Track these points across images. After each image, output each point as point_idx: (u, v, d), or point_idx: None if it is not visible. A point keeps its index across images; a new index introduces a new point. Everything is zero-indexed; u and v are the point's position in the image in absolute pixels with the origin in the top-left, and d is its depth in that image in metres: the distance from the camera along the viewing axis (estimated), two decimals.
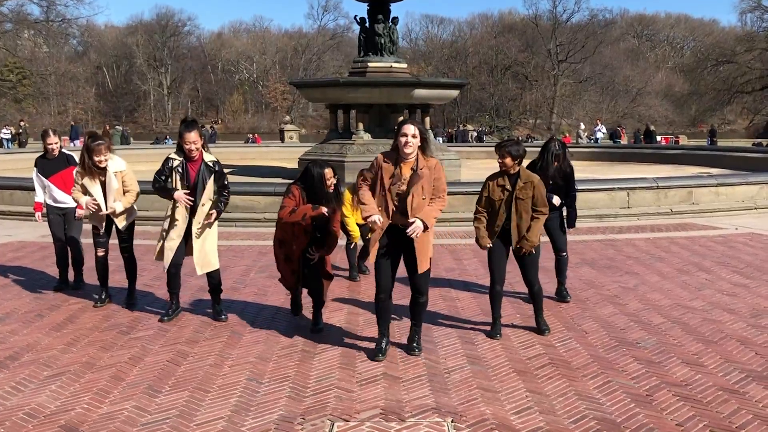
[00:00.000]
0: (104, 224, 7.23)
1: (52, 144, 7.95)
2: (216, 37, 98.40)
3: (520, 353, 5.85)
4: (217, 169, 6.68)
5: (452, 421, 4.53)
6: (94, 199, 7.04)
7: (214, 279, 6.85)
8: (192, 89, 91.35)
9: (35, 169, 8.11)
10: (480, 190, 6.28)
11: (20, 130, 40.44)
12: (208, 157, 6.67)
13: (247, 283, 8.34)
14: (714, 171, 19.37)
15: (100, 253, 7.34)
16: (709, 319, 6.77)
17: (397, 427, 4.46)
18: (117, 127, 43.23)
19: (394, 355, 5.81)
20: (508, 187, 6.12)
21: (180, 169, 6.57)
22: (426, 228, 5.54)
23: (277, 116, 77.92)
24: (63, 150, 8.12)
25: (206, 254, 6.73)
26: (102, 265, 7.36)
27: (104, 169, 7.04)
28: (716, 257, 9.68)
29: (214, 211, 6.65)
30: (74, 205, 7.66)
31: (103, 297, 7.43)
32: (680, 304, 7.34)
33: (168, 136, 44.03)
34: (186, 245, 6.74)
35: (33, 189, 12.98)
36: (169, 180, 6.59)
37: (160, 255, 6.73)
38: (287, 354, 5.86)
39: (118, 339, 6.30)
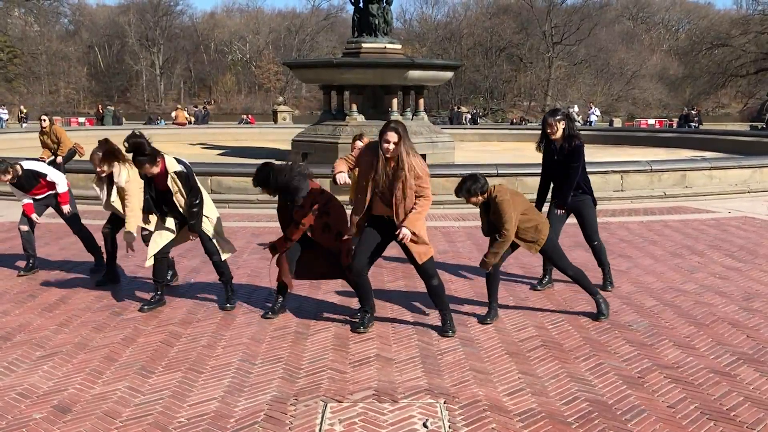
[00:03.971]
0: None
1: (6, 181, 7.71)
2: (209, 17, 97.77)
3: (513, 335, 5.86)
4: (177, 177, 6.34)
5: (444, 403, 4.54)
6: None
7: (220, 265, 6.68)
8: (184, 69, 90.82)
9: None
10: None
11: (21, 115, 41.06)
12: (172, 167, 6.32)
13: (240, 264, 8.33)
14: (708, 154, 19.41)
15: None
16: (701, 302, 6.80)
17: (389, 408, 4.47)
18: (109, 107, 42.95)
19: (387, 336, 5.82)
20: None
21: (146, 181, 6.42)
22: (414, 234, 5.63)
23: (270, 97, 77.57)
24: (24, 167, 7.87)
25: (221, 242, 6.69)
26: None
27: (110, 177, 7.04)
28: (709, 240, 9.71)
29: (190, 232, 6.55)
30: (51, 192, 7.89)
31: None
32: (673, 287, 7.36)
33: (160, 117, 43.84)
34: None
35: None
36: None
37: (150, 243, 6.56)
38: (280, 335, 5.86)
39: (110, 320, 6.29)
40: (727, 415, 4.37)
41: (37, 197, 7.99)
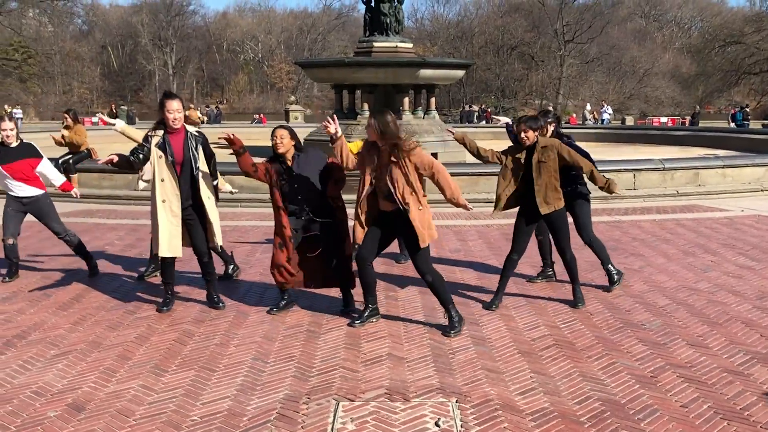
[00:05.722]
0: None
1: (6, 131, 7.39)
2: (221, 17, 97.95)
3: (525, 334, 5.86)
4: (201, 137, 6.40)
5: (457, 402, 4.54)
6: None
7: (209, 266, 6.57)
8: (197, 69, 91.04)
9: None
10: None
11: (3, 113, 41.25)
12: (190, 128, 6.38)
13: (253, 263, 8.36)
14: (721, 152, 19.29)
15: None
16: (715, 300, 6.77)
17: (401, 407, 4.48)
18: (122, 107, 43.21)
19: (399, 335, 5.82)
20: (523, 159, 6.36)
21: (163, 146, 6.15)
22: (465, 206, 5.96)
23: (282, 96, 77.64)
24: (24, 140, 7.68)
25: (217, 226, 6.47)
26: None
27: None
28: (722, 239, 9.66)
29: (222, 185, 6.58)
30: (32, 195, 7.51)
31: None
32: (685, 285, 7.33)
33: None
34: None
35: None
36: (141, 157, 6.22)
37: (168, 245, 6.27)
38: (292, 334, 5.88)
39: (124, 318, 6.32)
40: (740, 414, 4.35)
41: (14, 183, 7.47)
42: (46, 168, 7.66)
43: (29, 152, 7.61)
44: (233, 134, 6.05)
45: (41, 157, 7.66)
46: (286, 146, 6.20)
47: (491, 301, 6.62)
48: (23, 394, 4.70)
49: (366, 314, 6.11)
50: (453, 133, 6.80)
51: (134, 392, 4.73)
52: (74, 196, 7.76)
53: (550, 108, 8.87)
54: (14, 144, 7.51)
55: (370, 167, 5.79)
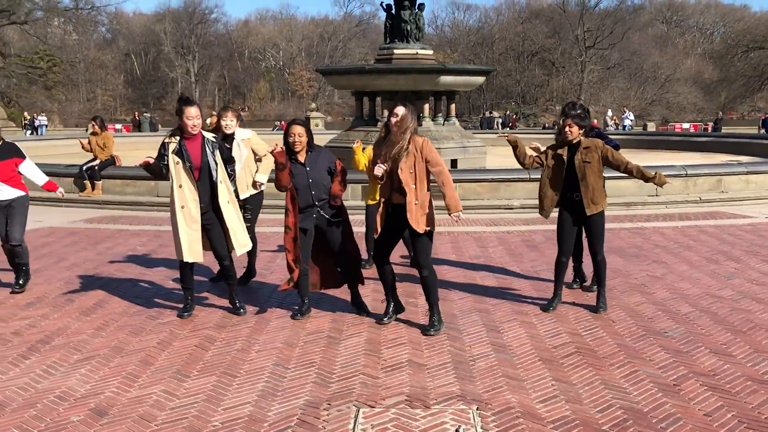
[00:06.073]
0: None
1: None
2: (243, 25, 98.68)
3: (546, 342, 5.83)
4: (218, 142, 6.46)
5: (477, 409, 4.53)
6: None
7: (230, 269, 6.61)
8: (219, 77, 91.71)
9: None
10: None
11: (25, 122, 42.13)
12: (206, 133, 6.46)
13: (274, 269, 8.39)
14: (744, 159, 19.10)
15: None
16: (738, 308, 6.70)
17: (422, 414, 4.47)
18: (145, 114, 43.70)
19: (419, 341, 5.82)
20: (566, 156, 6.41)
21: (180, 152, 6.18)
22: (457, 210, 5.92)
23: (303, 103, 77.96)
24: (6, 140, 7.52)
25: (241, 234, 6.52)
26: None
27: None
28: (745, 246, 9.56)
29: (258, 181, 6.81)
30: (12, 197, 7.26)
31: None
32: (709, 293, 7.26)
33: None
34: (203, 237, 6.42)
35: (62, 175, 13.11)
36: (165, 165, 6.23)
37: (189, 250, 6.30)
38: (313, 340, 5.89)
39: (146, 324, 6.37)
40: (765, 424, 4.29)
41: None
42: (29, 168, 7.51)
43: (12, 152, 7.43)
44: (282, 147, 6.11)
45: (24, 157, 7.50)
46: (302, 145, 6.26)
47: (548, 304, 6.69)
48: (47, 399, 4.75)
49: (391, 310, 6.29)
50: (507, 136, 6.88)
51: (156, 397, 4.76)
52: (59, 195, 7.75)
53: (578, 101, 8.82)
54: None
55: (383, 158, 5.88)
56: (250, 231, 7.12)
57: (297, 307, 6.60)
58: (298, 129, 6.26)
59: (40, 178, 7.62)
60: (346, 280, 6.61)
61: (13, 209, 7.34)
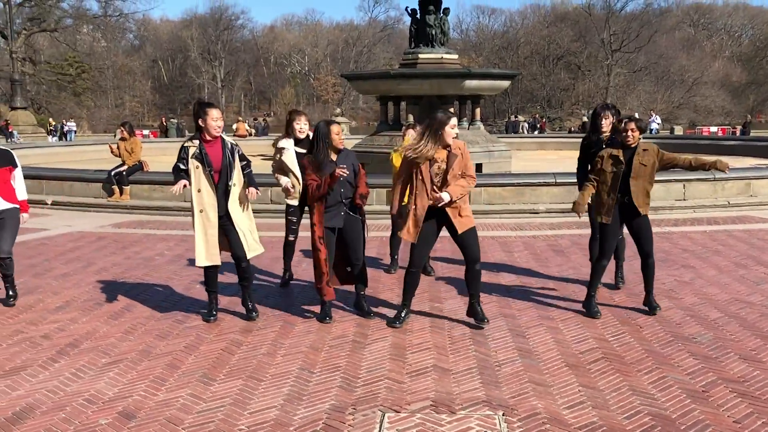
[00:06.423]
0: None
1: None
2: (268, 31, 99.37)
3: (573, 347, 5.79)
4: (237, 146, 6.48)
5: (503, 415, 4.51)
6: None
7: (246, 271, 6.58)
8: (245, 82, 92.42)
9: None
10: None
11: (51, 128, 42.70)
12: (226, 137, 6.49)
13: (299, 273, 8.42)
14: None
15: (291, 239, 7.79)
16: None
17: (447, 419, 4.46)
18: (172, 119, 44.10)
19: (444, 346, 5.81)
20: (623, 158, 6.44)
21: (200, 156, 6.22)
22: (451, 200, 6.01)
23: (328, 108, 78.30)
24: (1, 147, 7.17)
25: (252, 237, 6.53)
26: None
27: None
28: None
29: (252, 189, 6.42)
30: (8, 207, 6.94)
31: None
32: (738, 298, 7.17)
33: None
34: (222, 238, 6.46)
35: (91, 180, 13.24)
36: (185, 169, 6.27)
37: (207, 254, 6.36)
38: (338, 344, 5.90)
39: (173, 328, 6.42)
40: None
41: None
42: (18, 177, 7.15)
43: (7, 161, 7.09)
44: (345, 172, 6.20)
45: (17, 165, 7.15)
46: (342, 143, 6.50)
47: (594, 310, 6.66)
48: (76, 402, 4.80)
49: (404, 314, 6.42)
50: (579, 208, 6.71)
51: (183, 401, 4.80)
52: (23, 221, 7.25)
53: (609, 102, 8.87)
54: None
55: (426, 165, 6.00)
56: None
57: (326, 312, 6.61)
58: (338, 127, 6.51)
59: (22, 193, 7.19)
60: (354, 280, 6.73)
61: (4, 221, 7.02)
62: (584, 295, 6.92)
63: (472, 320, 6.34)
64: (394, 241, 8.42)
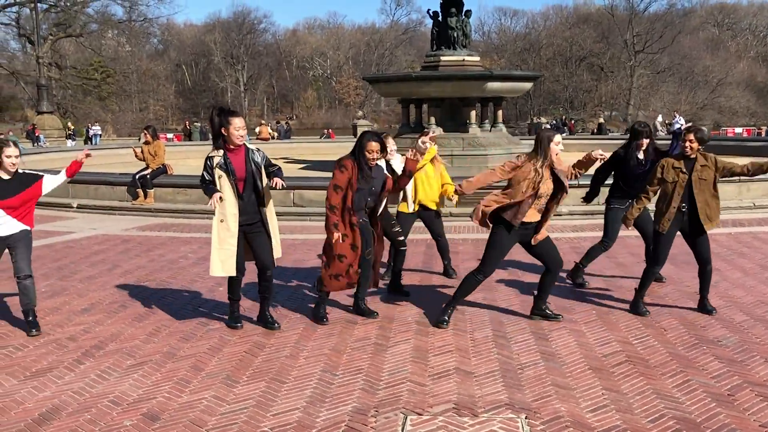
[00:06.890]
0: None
1: (11, 158, 6.21)
2: (291, 34, 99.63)
3: (596, 350, 5.76)
4: (261, 151, 6.40)
5: (526, 418, 4.50)
6: None
7: (270, 281, 6.53)
8: (267, 86, 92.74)
9: None
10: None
11: (69, 132, 42.91)
12: (250, 144, 6.46)
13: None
14: None
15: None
16: None
17: (470, 422, 4.46)
18: (196, 123, 44.38)
19: (466, 349, 5.80)
20: (684, 169, 6.41)
21: (224, 165, 6.14)
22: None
23: (350, 111, 78.43)
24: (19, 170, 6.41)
25: (278, 243, 6.52)
26: None
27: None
28: None
29: (277, 179, 6.26)
30: (21, 229, 6.36)
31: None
32: (763, 301, 7.10)
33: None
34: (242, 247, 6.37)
35: (116, 184, 13.30)
36: (210, 180, 6.19)
37: (222, 265, 6.27)
38: (360, 347, 5.92)
39: (197, 330, 6.47)
40: None
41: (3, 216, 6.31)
42: (49, 182, 6.55)
43: (28, 181, 6.47)
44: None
45: (41, 177, 6.55)
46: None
47: (643, 310, 6.73)
48: (101, 403, 4.85)
49: (450, 315, 6.54)
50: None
51: (207, 403, 4.83)
52: (83, 156, 6.80)
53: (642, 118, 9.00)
54: (8, 177, 6.33)
55: (533, 184, 6.08)
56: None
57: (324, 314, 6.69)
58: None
59: (61, 176, 6.66)
60: (371, 282, 6.82)
61: (17, 242, 6.41)
62: (607, 297, 6.95)
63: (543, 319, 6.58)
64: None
